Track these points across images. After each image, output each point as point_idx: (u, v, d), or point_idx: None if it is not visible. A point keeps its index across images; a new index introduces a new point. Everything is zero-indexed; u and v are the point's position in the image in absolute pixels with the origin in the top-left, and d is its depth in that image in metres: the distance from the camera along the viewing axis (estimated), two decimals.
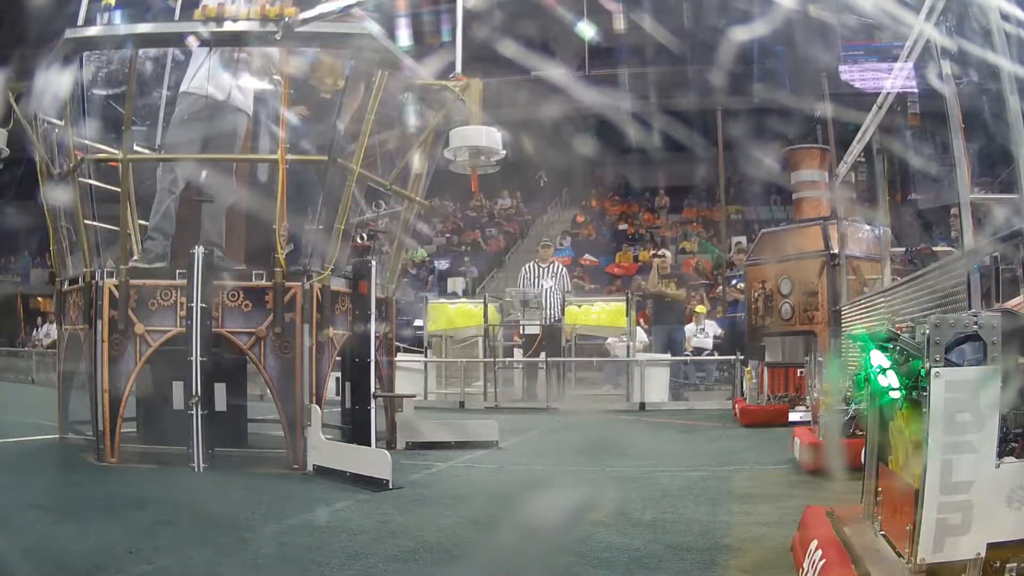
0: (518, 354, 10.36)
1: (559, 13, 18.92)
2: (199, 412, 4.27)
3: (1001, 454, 1.78)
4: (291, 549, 2.80)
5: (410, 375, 9.77)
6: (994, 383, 1.75)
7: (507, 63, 15.86)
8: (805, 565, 2.21)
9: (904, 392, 1.99)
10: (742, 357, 9.16)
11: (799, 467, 4.49)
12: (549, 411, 9.12)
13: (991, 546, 1.74)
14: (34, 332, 18.26)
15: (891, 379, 2.03)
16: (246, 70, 5.06)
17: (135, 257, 4.80)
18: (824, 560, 2.08)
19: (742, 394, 8.42)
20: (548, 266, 10.60)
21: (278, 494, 3.92)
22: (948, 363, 1.78)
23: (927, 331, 1.82)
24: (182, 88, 5.03)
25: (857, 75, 18.77)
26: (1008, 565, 1.74)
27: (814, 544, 2.21)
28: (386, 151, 5.57)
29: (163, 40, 4.85)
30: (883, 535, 2.15)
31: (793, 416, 7.00)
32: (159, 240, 4.88)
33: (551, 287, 10.30)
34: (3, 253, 23.00)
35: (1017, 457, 1.78)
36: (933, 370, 1.78)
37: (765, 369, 7.85)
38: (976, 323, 1.79)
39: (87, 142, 4.89)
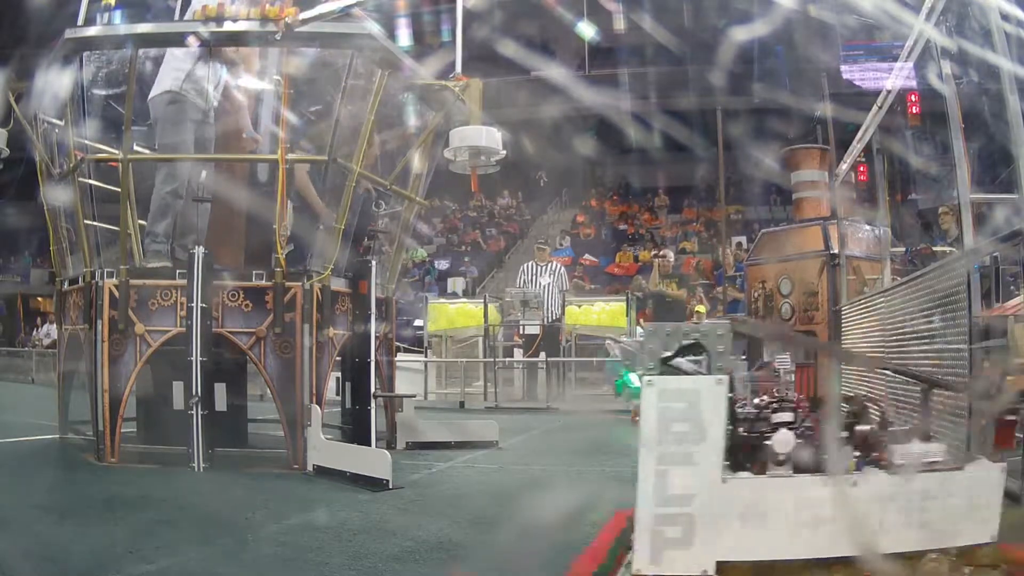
0: (518, 354, 10.36)
1: (559, 13, 18.93)
2: (199, 412, 4.26)
3: (734, 468, 1.70)
4: (291, 549, 2.80)
5: (410, 375, 9.78)
6: (718, 393, 1.67)
7: (507, 63, 15.88)
8: None
9: None
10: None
11: None
12: (549, 411, 9.12)
13: (723, 564, 1.65)
14: (34, 332, 18.27)
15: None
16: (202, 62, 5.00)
17: (153, 265, 4.78)
18: None
19: None
20: (546, 265, 10.62)
21: (278, 494, 3.91)
22: (667, 371, 1.71)
23: (641, 338, 1.77)
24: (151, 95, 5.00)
25: (857, 75, 18.78)
26: None
27: None
28: (386, 151, 5.56)
29: (163, 40, 4.84)
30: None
31: None
32: (165, 244, 4.88)
33: (549, 283, 10.31)
34: (3, 253, 23.01)
35: (755, 473, 1.69)
36: (645, 378, 1.71)
37: None
38: (698, 331, 1.76)
39: (87, 142, 4.88)
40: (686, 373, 1.70)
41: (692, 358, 1.72)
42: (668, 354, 1.74)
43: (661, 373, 1.71)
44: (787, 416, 1.72)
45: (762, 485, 1.66)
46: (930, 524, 1.62)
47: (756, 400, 1.86)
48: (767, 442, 1.73)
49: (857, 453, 1.74)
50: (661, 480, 1.68)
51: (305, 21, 4.40)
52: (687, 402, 1.67)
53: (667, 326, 1.79)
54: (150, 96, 4.97)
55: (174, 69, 4.92)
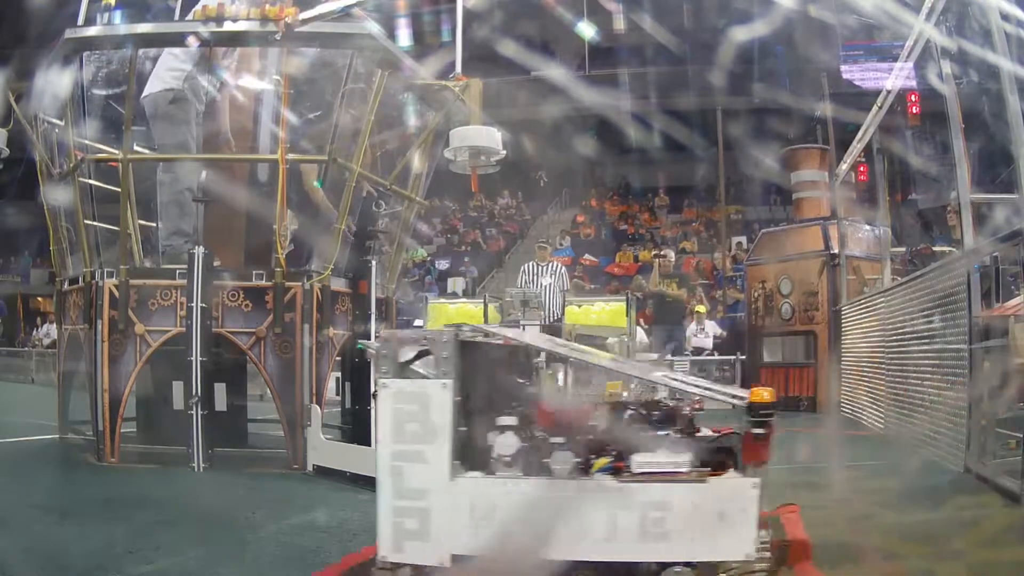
0: None
1: (559, 13, 18.94)
2: (199, 412, 4.26)
3: (469, 468, 1.79)
4: (291, 549, 2.80)
5: None
6: (444, 397, 1.76)
7: (507, 63, 15.88)
8: None
9: None
10: (743, 357, 9.18)
11: None
12: None
13: (457, 557, 1.74)
14: (34, 332, 18.27)
15: None
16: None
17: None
18: None
19: None
20: (547, 265, 10.62)
21: (278, 494, 3.91)
22: (404, 374, 1.82)
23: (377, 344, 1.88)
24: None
25: (857, 75, 18.79)
26: None
27: None
28: (386, 151, 5.56)
29: (163, 40, 4.83)
30: None
31: None
32: (181, 242, 4.89)
33: (550, 284, 10.30)
34: (3, 253, 23.01)
35: (486, 474, 1.78)
36: (380, 381, 1.84)
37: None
38: (426, 338, 1.83)
39: (87, 142, 4.88)
40: (422, 376, 1.81)
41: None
42: (406, 358, 1.85)
43: (398, 376, 1.83)
44: (510, 420, 1.80)
45: (487, 485, 1.76)
46: (669, 536, 1.63)
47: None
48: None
49: (594, 457, 1.77)
50: (397, 475, 1.82)
51: (305, 21, 4.40)
52: (418, 404, 1.79)
53: (400, 333, 1.88)
54: (144, 93, 4.95)
55: (172, 68, 4.91)
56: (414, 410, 1.79)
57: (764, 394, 1.67)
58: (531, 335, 1.97)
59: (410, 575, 1.78)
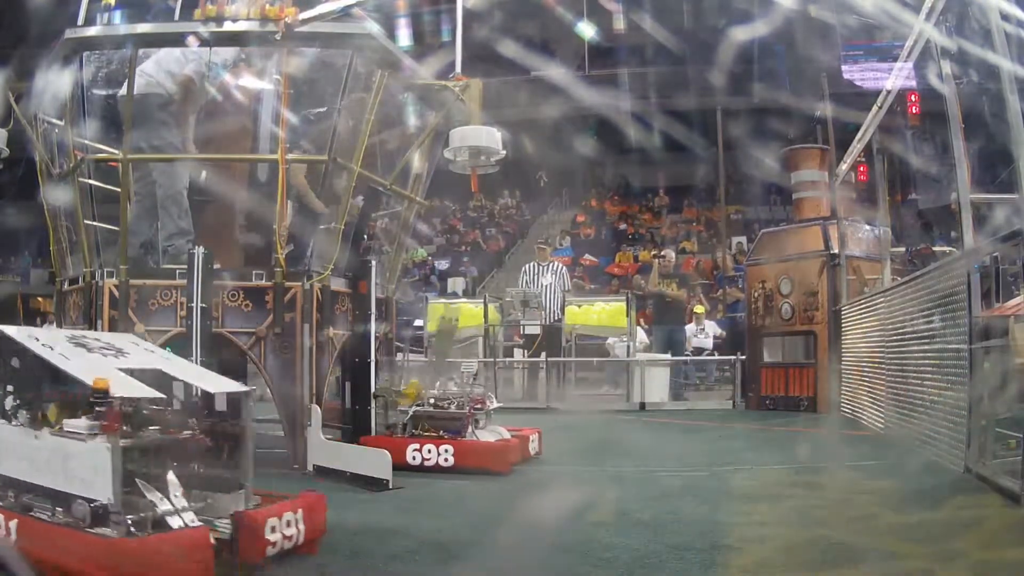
0: (518, 354, 10.35)
1: (559, 13, 18.95)
2: None
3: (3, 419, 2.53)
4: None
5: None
6: None
7: (507, 63, 15.89)
8: None
9: None
10: (743, 357, 9.17)
11: None
12: (549, 411, 9.12)
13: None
14: None
15: None
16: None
17: None
18: None
19: None
20: (548, 264, 10.64)
21: None
22: None
23: None
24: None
25: (857, 75, 18.80)
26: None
27: None
28: (386, 151, 5.56)
29: (163, 40, 4.83)
30: None
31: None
32: (184, 242, 4.88)
33: (551, 283, 10.31)
34: (3, 253, 23.01)
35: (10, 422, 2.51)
36: None
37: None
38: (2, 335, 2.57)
39: (87, 142, 4.88)
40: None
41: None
42: None
43: None
44: (8, 388, 2.58)
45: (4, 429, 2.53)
46: (74, 475, 2.31)
47: None
48: None
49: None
50: None
51: (305, 21, 4.41)
52: None
53: None
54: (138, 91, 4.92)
55: (155, 72, 4.91)
56: None
57: (101, 383, 2.29)
58: (50, 337, 2.67)
59: None
